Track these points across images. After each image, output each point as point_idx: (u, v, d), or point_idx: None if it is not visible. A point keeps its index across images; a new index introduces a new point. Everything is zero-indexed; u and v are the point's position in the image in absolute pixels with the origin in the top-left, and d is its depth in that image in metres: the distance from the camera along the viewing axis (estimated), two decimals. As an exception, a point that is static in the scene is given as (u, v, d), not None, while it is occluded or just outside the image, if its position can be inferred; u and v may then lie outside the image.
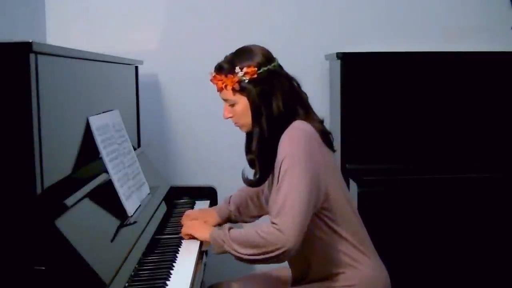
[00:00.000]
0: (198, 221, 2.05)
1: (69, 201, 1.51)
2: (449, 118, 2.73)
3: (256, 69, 1.76)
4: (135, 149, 2.24)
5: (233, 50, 1.90)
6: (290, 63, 2.92)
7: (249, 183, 1.91)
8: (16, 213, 1.37)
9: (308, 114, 1.81)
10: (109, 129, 1.94)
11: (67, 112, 1.64)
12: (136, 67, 2.63)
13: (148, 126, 2.84)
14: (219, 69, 1.83)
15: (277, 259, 1.63)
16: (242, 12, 2.94)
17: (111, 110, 2.07)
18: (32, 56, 1.36)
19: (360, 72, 2.71)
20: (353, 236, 1.80)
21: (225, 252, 1.73)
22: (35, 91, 1.38)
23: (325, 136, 1.82)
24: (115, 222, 1.73)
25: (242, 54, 1.81)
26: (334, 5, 2.95)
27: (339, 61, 2.70)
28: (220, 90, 1.82)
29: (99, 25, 2.90)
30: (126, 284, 1.53)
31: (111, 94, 2.18)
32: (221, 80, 1.80)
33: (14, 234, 1.36)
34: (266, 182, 1.90)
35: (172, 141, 2.98)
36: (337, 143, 2.74)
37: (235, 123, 1.87)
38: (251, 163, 1.88)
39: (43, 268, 1.31)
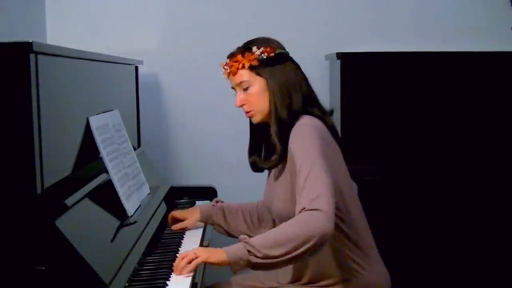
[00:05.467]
0: (199, 248, 1.77)
1: (69, 201, 1.51)
2: (449, 118, 2.73)
3: (274, 48, 1.77)
4: (135, 149, 2.24)
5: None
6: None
7: (257, 167, 1.84)
8: (16, 213, 1.37)
9: (319, 108, 1.80)
10: (109, 129, 1.94)
11: (67, 112, 1.64)
12: (136, 67, 2.63)
13: (148, 126, 2.84)
14: (232, 54, 1.81)
15: (315, 247, 1.51)
16: (242, 12, 2.94)
17: (111, 110, 2.07)
18: (32, 56, 1.36)
19: (360, 72, 2.71)
20: (360, 238, 1.78)
21: (249, 265, 1.54)
22: (35, 91, 1.38)
23: (334, 132, 1.81)
24: (115, 222, 1.73)
25: (256, 40, 1.83)
26: (334, 5, 2.96)
27: (339, 61, 2.70)
28: (234, 73, 1.78)
29: (99, 25, 2.90)
30: (126, 284, 1.53)
31: (111, 94, 2.18)
32: (237, 61, 1.77)
33: (14, 234, 1.36)
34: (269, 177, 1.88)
35: (172, 141, 2.99)
36: (337, 143, 2.76)
37: (248, 112, 1.81)
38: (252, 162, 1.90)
39: (43, 268, 1.31)
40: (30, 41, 1.34)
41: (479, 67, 2.75)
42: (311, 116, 1.75)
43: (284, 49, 1.84)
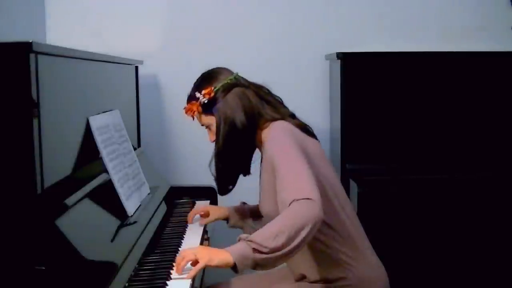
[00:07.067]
0: (198, 247, 1.67)
1: (69, 201, 1.51)
2: (449, 118, 2.73)
3: (212, 87, 1.87)
4: (135, 149, 2.24)
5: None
6: (290, 63, 2.96)
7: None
8: (16, 213, 1.37)
9: (279, 114, 1.87)
10: (109, 129, 1.94)
11: (67, 112, 1.64)
12: (136, 67, 2.63)
13: (148, 126, 2.84)
14: (187, 99, 1.94)
15: (311, 233, 1.53)
16: (242, 12, 2.94)
17: (111, 110, 2.07)
18: (32, 56, 1.36)
19: (360, 72, 2.71)
20: (349, 231, 1.80)
21: (254, 264, 1.52)
22: (35, 91, 1.38)
23: (305, 129, 1.87)
24: (115, 222, 1.73)
25: (200, 80, 1.93)
26: (334, 5, 2.96)
27: (339, 61, 2.70)
28: (192, 117, 1.92)
29: (99, 25, 2.90)
30: (126, 284, 1.53)
31: (111, 94, 2.19)
32: (189, 109, 1.91)
33: (14, 234, 1.36)
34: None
35: (172, 141, 2.98)
36: (337, 143, 2.76)
37: None
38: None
39: (43, 268, 1.31)
40: (30, 41, 1.34)
41: (479, 67, 2.74)
42: (280, 121, 1.83)
43: (227, 77, 1.89)
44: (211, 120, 1.88)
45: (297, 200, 1.56)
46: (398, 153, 2.71)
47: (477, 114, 2.74)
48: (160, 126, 2.97)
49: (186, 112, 1.93)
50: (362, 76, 2.71)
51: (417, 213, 2.54)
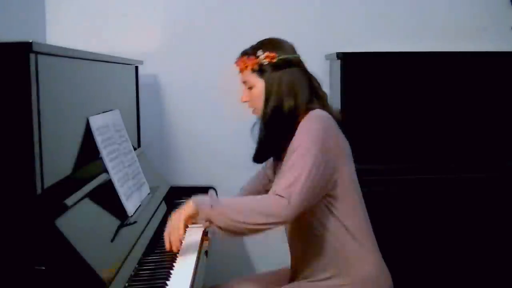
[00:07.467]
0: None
1: (69, 201, 1.51)
2: (449, 118, 2.73)
3: (276, 55, 1.87)
4: (135, 149, 2.24)
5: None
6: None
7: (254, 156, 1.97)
8: (16, 213, 1.37)
9: (324, 106, 1.88)
10: (109, 129, 1.94)
11: (67, 112, 1.64)
12: (136, 67, 2.63)
13: (148, 126, 2.84)
14: (243, 53, 1.94)
15: (266, 228, 1.64)
16: (242, 13, 2.94)
17: (111, 110, 2.07)
18: (32, 56, 1.36)
19: (360, 72, 2.71)
20: (357, 229, 1.81)
21: (208, 215, 1.69)
22: (35, 91, 1.38)
23: (342, 124, 1.90)
24: (115, 222, 1.73)
25: (266, 42, 1.93)
26: (334, 5, 2.95)
27: (339, 61, 2.70)
28: (241, 70, 1.92)
29: (99, 25, 2.90)
30: (126, 284, 1.53)
31: (111, 94, 2.18)
32: (243, 61, 1.91)
33: (14, 234, 1.36)
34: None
35: (172, 141, 2.98)
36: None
37: (250, 107, 1.94)
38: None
39: (43, 268, 1.31)
40: (30, 41, 1.34)
41: (479, 67, 2.75)
42: (321, 110, 1.84)
43: (292, 53, 1.92)
44: (257, 81, 1.88)
45: (277, 194, 1.63)
46: (398, 153, 2.71)
47: (477, 114, 2.74)
48: (160, 126, 2.97)
49: (237, 63, 1.93)
50: (362, 76, 2.71)
51: (417, 213, 2.54)
